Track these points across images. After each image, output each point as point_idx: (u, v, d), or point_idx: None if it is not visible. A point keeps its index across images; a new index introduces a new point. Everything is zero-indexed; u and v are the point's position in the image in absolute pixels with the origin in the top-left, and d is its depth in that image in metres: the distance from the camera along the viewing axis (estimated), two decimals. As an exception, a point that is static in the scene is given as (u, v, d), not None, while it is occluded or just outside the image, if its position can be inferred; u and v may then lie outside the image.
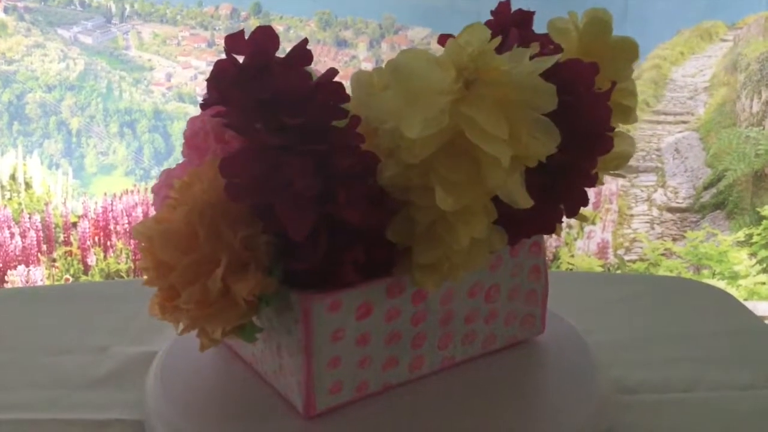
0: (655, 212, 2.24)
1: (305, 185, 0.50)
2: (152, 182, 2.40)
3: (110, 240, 2.18)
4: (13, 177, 2.18)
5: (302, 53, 0.52)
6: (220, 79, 0.51)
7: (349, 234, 0.53)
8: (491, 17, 0.61)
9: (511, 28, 0.58)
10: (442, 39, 0.59)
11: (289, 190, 0.50)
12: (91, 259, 2.17)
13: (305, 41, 0.52)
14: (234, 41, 0.51)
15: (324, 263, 0.53)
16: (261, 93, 0.50)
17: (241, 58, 0.52)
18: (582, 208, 0.58)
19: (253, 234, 0.52)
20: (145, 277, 0.53)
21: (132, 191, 2.20)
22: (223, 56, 0.52)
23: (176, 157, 2.09)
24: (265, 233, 0.53)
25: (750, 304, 2.07)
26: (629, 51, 0.59)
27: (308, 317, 0.54)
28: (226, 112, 0.52)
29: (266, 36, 0.51)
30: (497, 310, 0.66)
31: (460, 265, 0.54)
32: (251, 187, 0.51)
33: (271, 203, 0.51)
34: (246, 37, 0.51)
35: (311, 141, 0.51)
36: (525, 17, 0.59)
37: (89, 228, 2.16)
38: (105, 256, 2.18)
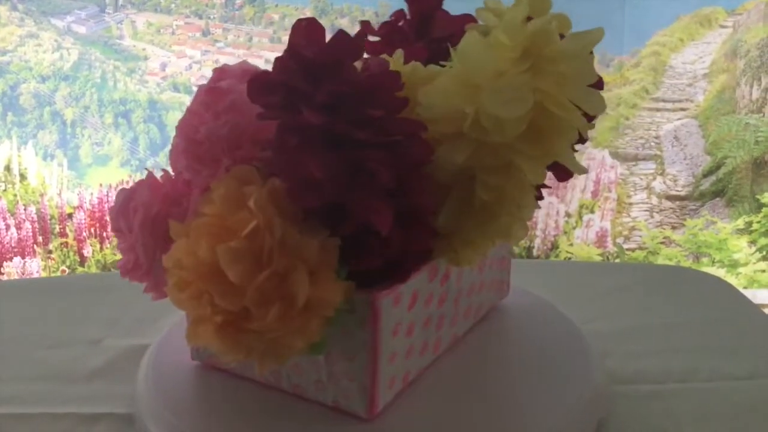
0: (654, 200, 2.23)
1: (388, 178, 0.49)
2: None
3: (106, 231, 2.17)
4: (7, 168, 2.17)
5: (363, 45, 0.51)
6: (291, 75, 0.48)
7: (415, 223, 0.52)
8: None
9: (435, 10, 0.61)
10: (365, 26, 0.61)
11: (371, 184, 0.49)
12: (87, 251, 2.17)
13: (363, 31, 0.52)
14: (300, 36, 0.49)
15: (396, 256, 0.51)
16: (342, 87, 0.49)
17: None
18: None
19: (326, 238, 0.49)
20: (197, 311, 0.48)
21: (128, 182, 2.20)
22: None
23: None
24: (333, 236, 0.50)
25: (750, 292, 2.08)
26: (565, 25, 0.62)
27: (378, 315, 0.53)
28: (292, 111, 0.49)
29: (317, 28, 0.50)
30: (485, 279, 0.68)
31: (500, 239, 0.57)
32: (326, 187, 0.49)
33: (346, 201, 0.49)
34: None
35: (389, 132, 0.50)
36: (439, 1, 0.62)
37: (85, 219, 2.16)
38: (101, 248, 2.18)
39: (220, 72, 0.59)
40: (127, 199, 0.58)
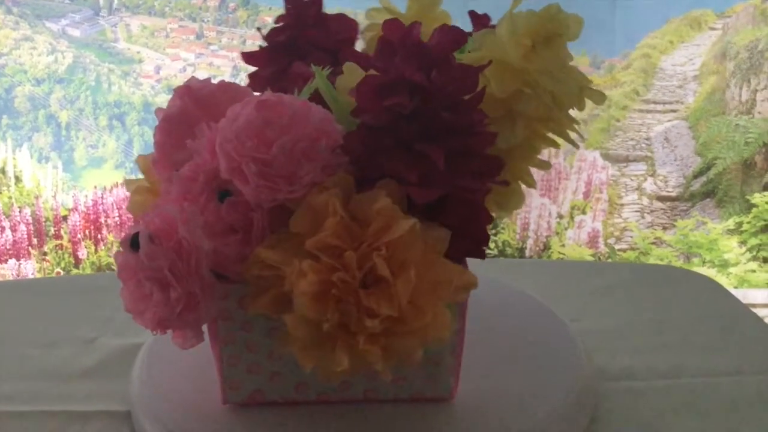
0: (645, 201, 2.24)
1: (485, 161, 0.52)
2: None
3: (101, 233, 2.17)
4: (2, 171, 2.17)
5: (465, 34, 0.53)
6: (413, 73, 0.49)
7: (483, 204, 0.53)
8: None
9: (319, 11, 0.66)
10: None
11: (472, 169, 0.51)
12: (82, 253, 2.17)
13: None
14: (397, 34, 0.51)
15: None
16: (456, 80, 0.51)
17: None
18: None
19: (443, 228, 0.50)
20: (342, 329, 0.48)
21: (122, 184, 2.19)
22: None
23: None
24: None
25: (741, 292, 2.08)
26: (447, 18, 0.68)
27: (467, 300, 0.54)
28: (420, 109, 0.50)
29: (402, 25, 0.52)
30: None
31: (516, 209, 0.63)
32: (446, 176, 0.50)
33: (456, 188, 0.50)
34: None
35: (482, 121, 0.52)
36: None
37: (80, 221, 2.16)
38: (96, 249, 2.18)
39: (186, 89, 0.56)
40: (148, 238, 0.51)
